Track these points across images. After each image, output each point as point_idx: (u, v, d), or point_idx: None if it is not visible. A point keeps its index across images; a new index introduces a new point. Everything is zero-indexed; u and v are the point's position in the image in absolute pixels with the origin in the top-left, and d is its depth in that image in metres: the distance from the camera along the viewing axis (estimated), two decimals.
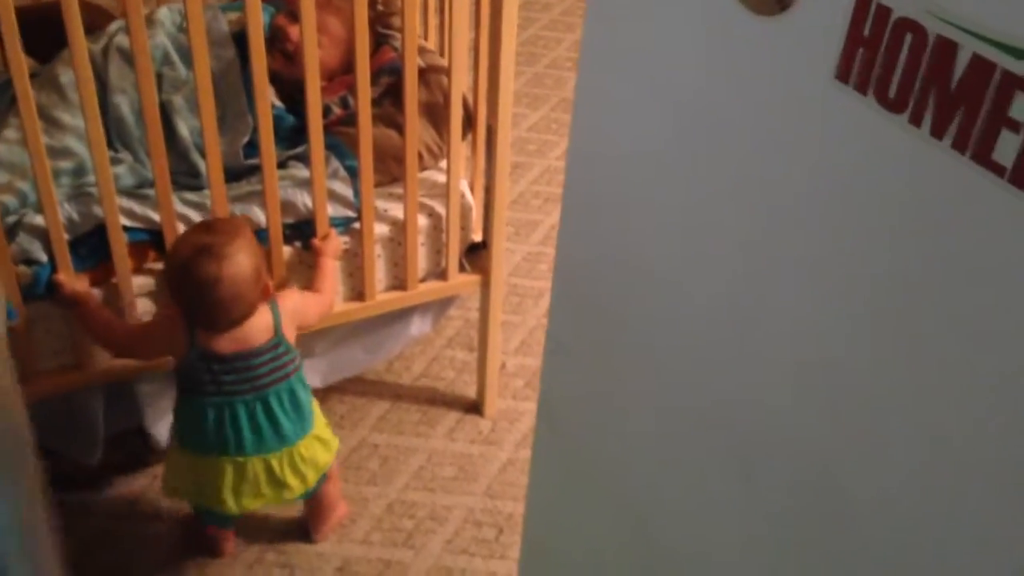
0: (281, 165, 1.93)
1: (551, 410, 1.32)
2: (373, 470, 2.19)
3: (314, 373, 2.10)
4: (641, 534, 1.19)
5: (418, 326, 2.22)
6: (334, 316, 1.99)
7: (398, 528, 2.08)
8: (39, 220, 1.73)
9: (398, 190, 1.99)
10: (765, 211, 0.86)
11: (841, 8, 0.72)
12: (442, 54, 2.20)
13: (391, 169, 2.01)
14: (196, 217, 1.83)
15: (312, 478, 1.84)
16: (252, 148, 1.92)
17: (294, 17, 2.01)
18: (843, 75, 0.74)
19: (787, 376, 0.89)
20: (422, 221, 2.02)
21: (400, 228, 2.00)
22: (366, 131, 1.83)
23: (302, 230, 1.92)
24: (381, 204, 2.00)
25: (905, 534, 0.79)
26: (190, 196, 1.88)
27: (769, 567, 0.98)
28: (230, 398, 1.72)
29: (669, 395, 1.07)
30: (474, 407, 2.34)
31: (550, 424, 1.33)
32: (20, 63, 1.52)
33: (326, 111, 2.04)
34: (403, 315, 2.16)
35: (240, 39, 1.93)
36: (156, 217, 1.79)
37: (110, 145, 1.83)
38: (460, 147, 1.98)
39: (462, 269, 2.13)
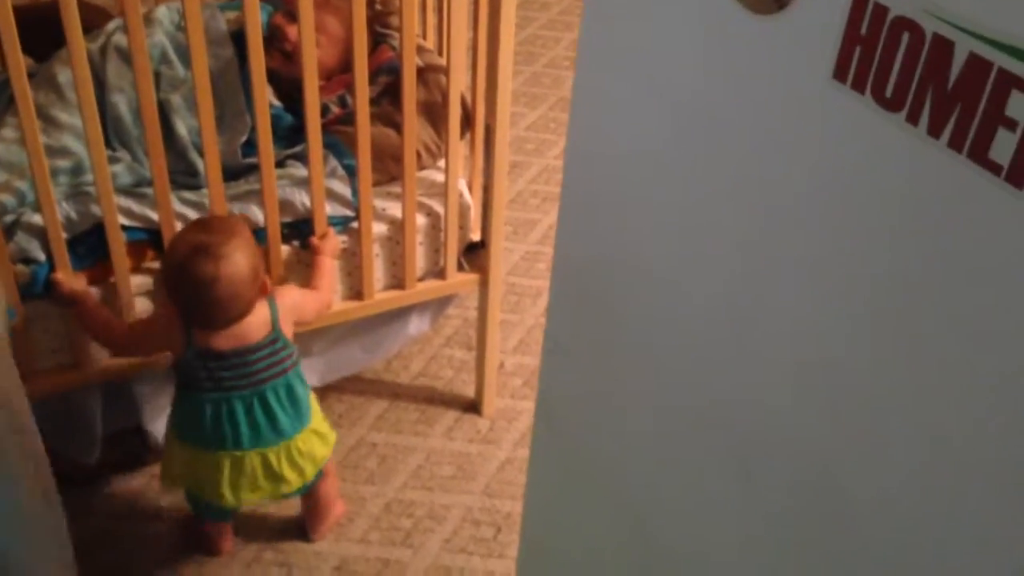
0: (279, 164, 1.93)
1: (549, 409, 1.32)
2: (371, 469, 2.19)
3: (312, 372, 2.10)
4: (640, 533, 1.19)
5: (416, 325, 2.22)
6: (332, 315, 1.99)
7: (396, 527, 2.08)
8: (37, 219, 1.72)
9: (396, 189, 1.99)
10: (763, 210, 0.87)
11: (838, 7, 0.72)
12: (440, 53, 2.20)
13: (389, 168, 2.01)
14: (194, 216, 1.83)
15: (310, 472, 1.84)
16: (250, 147, 1.92)
17: (292, 16, 2.01)
18: (840, 74, 0.74)
19: (786, 376, 0.89)
20: (420, 220, 2.02)
21: (398, 227, 2.00)
22: (364, 130, 1.83)
23: (300, 229, 1.92)
24: (379, 203, 2.00)
25: (905, 534, 0.79)
26: (188, 195, 1.88)
27: (768, 567, 0.98)
28: (227, 394, 1.72)
29: (668, 394, 1.07)
30: (472, 406, 2.34)
31: (548, 423, 1.33)
32: (18, 62, 1.52)
33: (324, 110, 2.04)
34: (401, 314, 2.16)
35: (238, 38, 1.93)
36: (154, 216, 1.79)
37: (108, 144, 1.83)
38: (458, 146, 1.98)
39: (460, 268, 2.13)
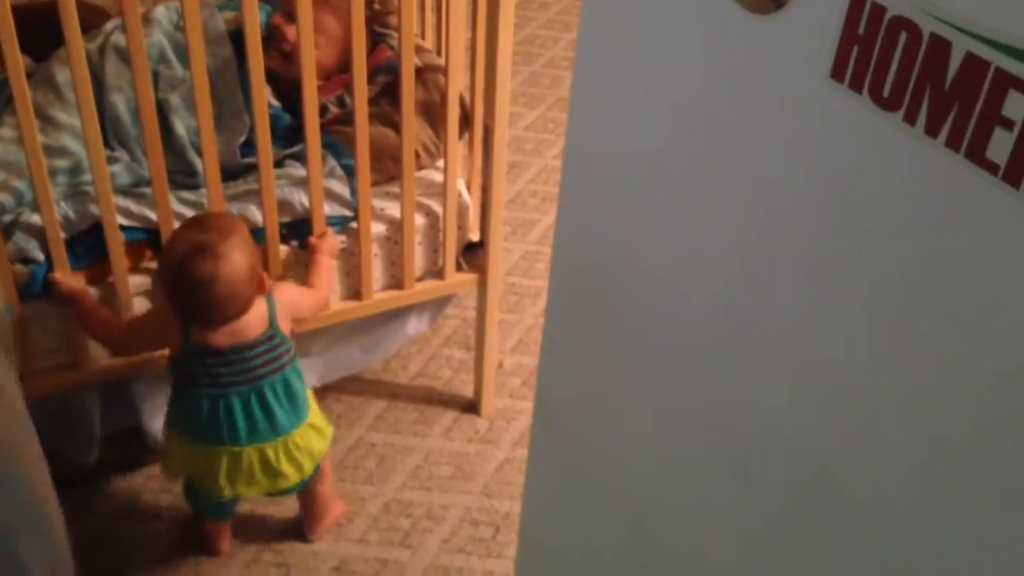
0: (278, 164, 1.93)
1: (548, 409, 1.32)
2: (370, 469, 2.19)
3: (311, 372, 2.10)
4: (638, 533, 1.19)
5: (415, 325, 2.22)
6: (331, 315, 1.99)
7: (395, 527, 2.08)
8: (35, 219, 1.72)
9: (395, 189, 1.99)
10: (761, 210, 0.87)
11: (836, 7, 0.72)
12: (439, 53, 2.20)
13: (388, 168, 2.01)
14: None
15: (308, 466, 1.84)
16: (249, 147, 1.92)
17: (291, 17, 2.01)
18: (838, 74, 0.74)
19: (784, 376, 0.89)
20: (419, 220, 2.02)
21: (397, 227, 2.00)
22: (363, 130, 1.83)
23: (299, 229, 1.92)
24: (378, 203, 1.99)
25: (903, 534, 0.79)
26: (187, 195, 1.88)
27: (766, 567, 0.98)
28: (225, 390, 1.72)
29: (666, 394, 1.07)
30: (471, 406, 2.34)
31: (547, 423, 1.33)
32: (17, 62, 1.52)
33: (323, 110, 2.04)
34: (400, 314, 2.16)
35: (237, 37, 1.93)
36: (153, 216, 1.79)
37: (106, 144, 1.83)
38: (457, 146, 1.98)
39: (459, 268, 2.13)
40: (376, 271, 2.02)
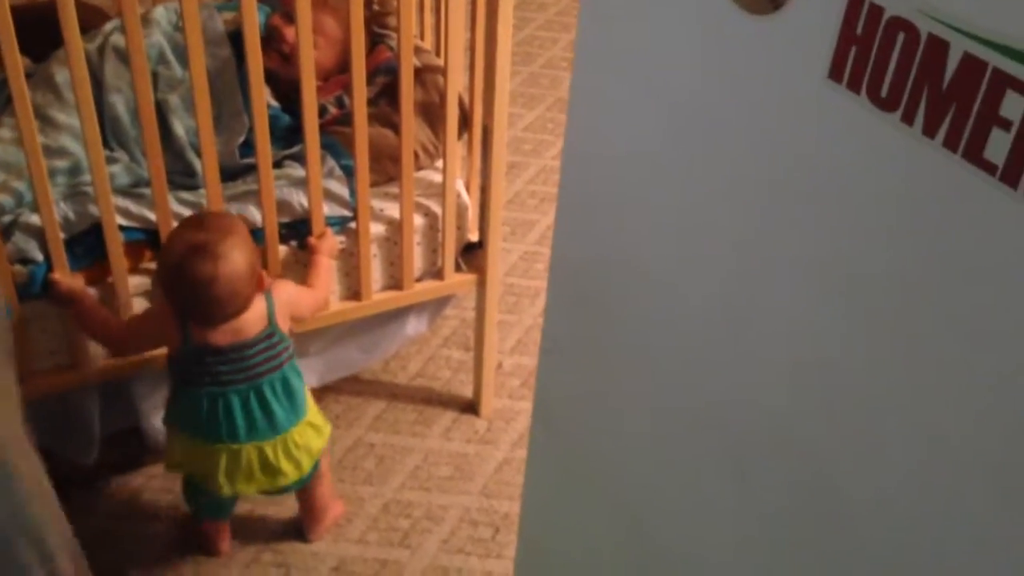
0: (277, 164, 1.93)
1: (547, 410, 1.32)
2: (369, 470, 2.19)
3: (310, 372, 2.10)
4: (636, 533, 1.20)
5: (414, 326, 2.22)
6: (330, 315, 1.99)
7: (394, 528, 2.08)
8: (35, 219, 1.72)
9: (394, 189, 1.99)
10: (759, 210, 0.87)
11: (834, 7, 0.72)
12: (438, 54, 2.20)
13: (387, 168, 2.01)
14: None
15: (306, 464, 1.84)
16: (248, 147, 1.92)
17: (290, 18, 2.01)
18: (836, 74, 0.74)
19: (782, 376, 0.89)
20: (418, 221, 2.02)
21: (396, 227, 2.00)
22: (362, 130, 1.83)
23: (298, 229, 1.92)
24: (377, 203, 2.00)
25: (902, 534, 0.79)
26: (186, 195, 1.88)
27: (764, 567, 0.98)
28: (224, 388, 1.72)
29: (664, 395, 1.07)
30: (470, 407, 2.34)
31: (546, 424, 1.33)
32: (16, 62, 1.52)
33: (322, 111, 2.04)
34: (399, 315, 2.16)
35: (236, 38, 1.94)
36: (152, 216, 1.79)
37: (106, 144, 1.83)
38: (456, 147, 1.98)
39: (458, 268, 2.13)
40: (375, 271, 2.02)
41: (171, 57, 2.06)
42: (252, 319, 1.71)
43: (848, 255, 0.78)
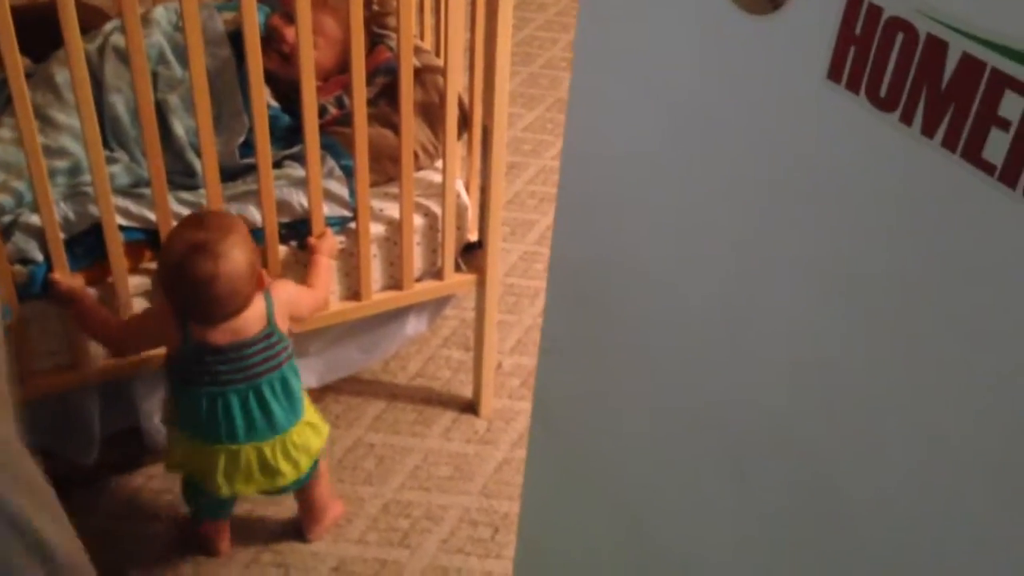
0: (277, 165, 1.93)
1: (546, 410, 1.32)
2: (369, 470, 2.19)
3: (310, 373, 2.10)
4: (636, 534, 1.20)
5: (414, 326, 2.22)
6: (330, 316, 1.99)
7: (394, 528, 2.08)
8: (35, 219, 1.73)
9: (394, 190, 1.99)
10: (758, 210, 0.87)
11: (833, 8, 0.72)
12: (438, 54, 2.20)
13: (387, 169, 2.01)
14: None
15: (305, 464, 1.84)
16: (248, 148, 1.92)
17: (289, 18, 2.01)
18: (835, 74, 0.74)
19: (782, 376, 0.89)
20: (418, 221, 2.02)
21: (396, 228, 2.00)
22: (362, 131, 1.83)
23: (298, 229, 1.92)
24: (377, 204, 2.00)
25: (902, 534, 0.79)
26: (186, 195, 1.89)
27: (763, 567, 0.98)
28: (223, 388, 1.72)
29: (664, 395, 1.08)
30: (470, 407, 2.34)
31: (545, 424, 1.33)
32: (16, 63, 1.52)
33: (322, 111, 2.04)
34: (399, 315, 2.16)
35: (236, 38, 1.94)
36: (152, 216, 1.80)
37: (106, 144, 1.83)
38: (456, 147, 1.99)
39: (458, 269, 2.13)
40: (375, 272, 2.02)
41: (171, 57, 2.06)
42: (252, 318, 1.72)
43: (847, 255, 0.78)
